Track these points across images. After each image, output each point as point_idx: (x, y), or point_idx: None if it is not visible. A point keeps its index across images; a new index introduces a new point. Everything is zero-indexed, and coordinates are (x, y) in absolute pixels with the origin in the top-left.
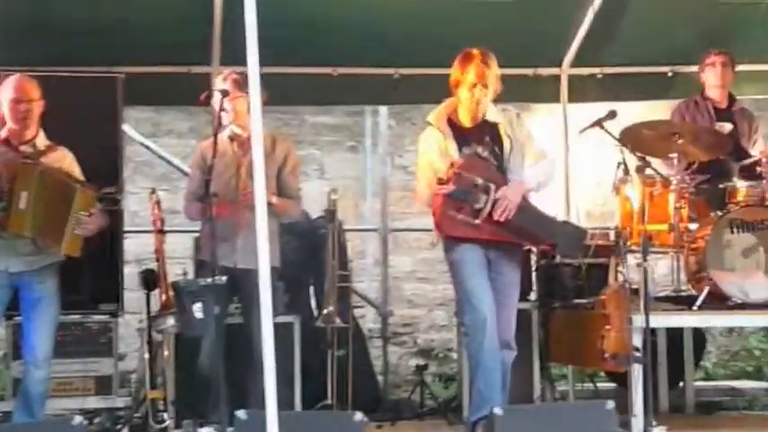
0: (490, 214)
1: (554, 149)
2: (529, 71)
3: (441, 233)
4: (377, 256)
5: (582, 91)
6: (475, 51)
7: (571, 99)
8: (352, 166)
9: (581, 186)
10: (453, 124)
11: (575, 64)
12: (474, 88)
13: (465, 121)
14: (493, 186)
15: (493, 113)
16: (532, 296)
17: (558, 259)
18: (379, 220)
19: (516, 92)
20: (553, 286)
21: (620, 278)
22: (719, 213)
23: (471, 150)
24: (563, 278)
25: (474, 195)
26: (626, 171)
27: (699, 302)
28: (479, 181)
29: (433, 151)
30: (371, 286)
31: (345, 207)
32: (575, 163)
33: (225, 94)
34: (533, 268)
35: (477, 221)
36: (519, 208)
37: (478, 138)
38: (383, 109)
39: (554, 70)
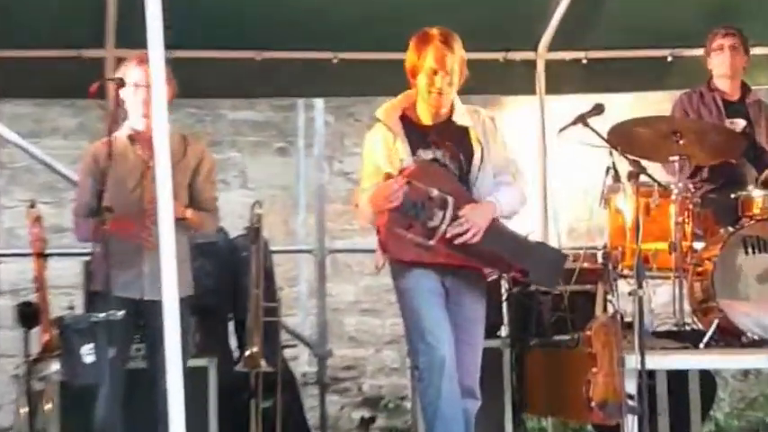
0: (447, 233)
1: (528, 152)
2: (498, 56)
3: (387, 255)
4: (312, 283)
5: (562, 80)
6: (434, 31)
7: (549, 90)
8: (282, 173)
9: (562, 197)
10: (408, 121)
11: (553, 47)
12: (434, 76)
13: (424, 117)
14: (451, 200)
15: (462, 113)
16: (503, 332)
17: (533, 286)
18: (314, 240)
19: (482, 81)
20: (528, 319)
21: (610, 309)
22: (730, 229)
23: (428, 155)
24: (540, 309)
25: (427, 210)
26: (616, 178)
27: (706, 339)
28: (434, 193)
29: (380, 154)
30: (306, 321)
31: (273, 223)
32: (554, 169)
33: (120, 83)
34: (503, 297)
35: (431, 242)
36: (488, 230)
37: (439, 139)
38: (319, 102)
39: (528, 54)
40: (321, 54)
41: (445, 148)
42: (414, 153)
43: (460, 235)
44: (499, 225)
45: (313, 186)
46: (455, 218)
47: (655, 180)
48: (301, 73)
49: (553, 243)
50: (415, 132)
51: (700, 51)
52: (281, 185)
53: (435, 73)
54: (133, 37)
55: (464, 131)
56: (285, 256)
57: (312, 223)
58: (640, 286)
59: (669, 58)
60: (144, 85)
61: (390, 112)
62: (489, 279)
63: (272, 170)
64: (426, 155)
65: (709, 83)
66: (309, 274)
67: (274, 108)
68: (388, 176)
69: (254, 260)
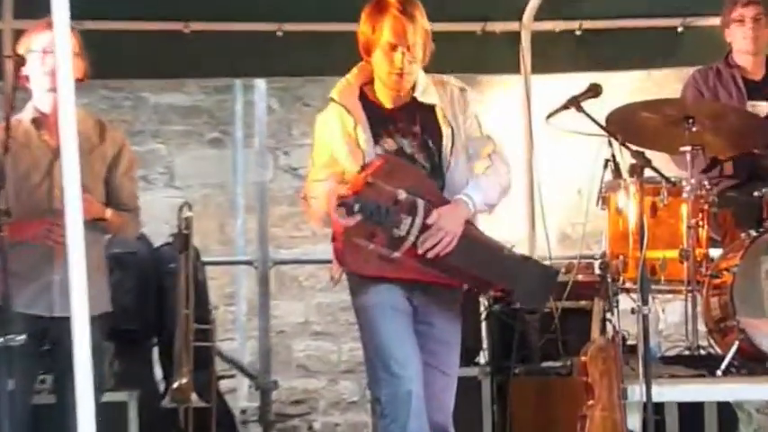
0: (416, 245)
1: (512, 143)
2: (475, 27)
3: (344, 268)
4: (253, 300)
5: (551, 56)
6: None
7: (536, 68)
8: (216, 169)
9: (552, 196)
10: (369, 103)
11: (540, 16)
12: (393, 53)
13: (384, 99)
14: (421, 203)
15: (425, 88)
16: (482, 357)
17: (518, 303)
18: (255, 249)
19: (456, 57)
20: (512, 342)
21: (609, 330)
22: (753, 234)
23: (393, 146)
24: (526, 330)
25: (393, 216)
26: (616, 173)
27: (725, 365)
28: (402, 195)
29: (337, 142)
30: (245, 346)
31: (206, 229)
32: (542, 162)
33: (20, 61)
34: (482, 316)
35: (397, 254)
36: (461, 239)
37: (404, 125)
38: (261, 83)
39: (511, 25)
40: (263, 26)
41: (412, 136)
42: (376, 142)
43: (432, 247)
44: (474, 235)
45: (254, 185)
46: (425, 226)
47: (662, 175)
48: (239, 48)
49: (542, 251)
50: (376, 117)
51: (716, 20)
52: (216, 183)
53: (394, 49)
54: (36, 5)
55: (430, 111)
56: (220, 269)
57: (253, 229)
58: (645, 302)
59: (680, 29)
60: (53, 51)
61: (347, 92)
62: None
63: (204, 165)
64: (390, 145)
65: (728, 58)
66: (250, 290)
67: (206, 91)
68: (342, 176)
69: (182, 273)
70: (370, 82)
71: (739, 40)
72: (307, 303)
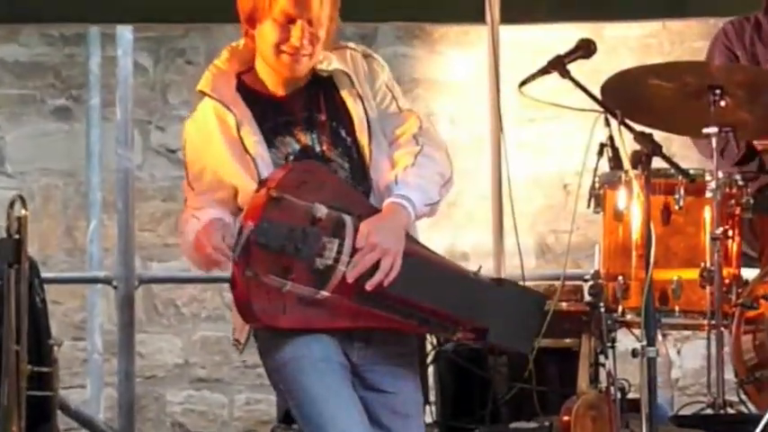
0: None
1: (474, 119)
2: None
3: (252, 324)
4: (111, 333)
5: (526, 1)
6: None
7: (506, 16)
8: (62, 150)
9: (527, 195)
10: (251, 93)
11: None
12: (290, 25)
13: (272, 84)
14: (349, 219)
15: (324, 58)
16: (428, 415)
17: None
18: (115, 262)
19: (396, 4)
20: (470, 395)
21: (603, 379)
22: None
23: (295, 145)
24: (489, 378)
25: (313, 241)
26: (616, 163)
27: (761, 428)
28: (321, 210)
29: (217, 152)
30: (100, 396)
31: (47, 233)
32: (514, 147)
33: None
34: (428, 358)
35: (324, 293)
36: (406, 261)
37: (306, 114)
38: (126, 32)
39: None
40: None
41: (319, 127)
42: (271, 144)
43: (365, 275)
44: (424, 254)
45: (114, 172)
46: (357, 249)
47: (677, 166)
48: None
49: (512, 269)
50: (264, 109)
51: None
52: (62, 171)
53: (292, 21)
54: None
55: (330, 87)
56: (68, 289)
57: (112, 234)
58: (652, 342)
59: None
60: None
61: (221, 82)
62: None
63: (45, 145)
64: (290, 144)
65: None
66: (107, 319)
67: (50, 41)
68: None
69: (10, 295)
70: (249, 69)
71: None
72: (187, 338)
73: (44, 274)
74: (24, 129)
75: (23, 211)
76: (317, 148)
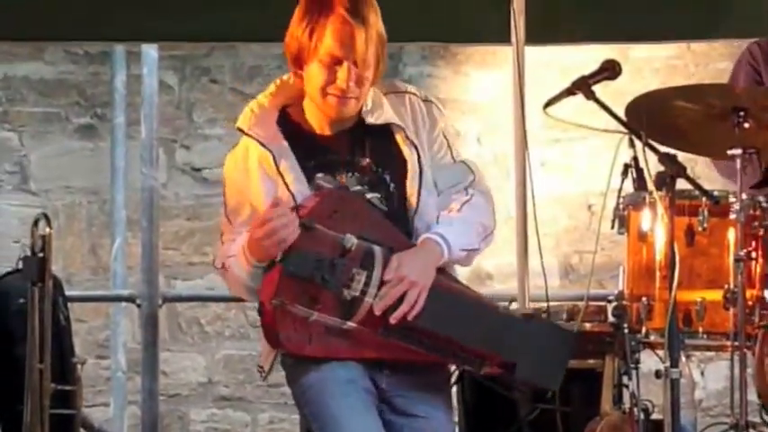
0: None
1: (498, 139)
2: None
3: (278, 350)
4: (135, 351)
5: (552, 21)
6: None
7: (532, 36)
8: (87, 168)
9: (552, 215)
10: (294, 128)
11: None
12: (336, 66)
13: (316, 123)
14: (379, 251)
15: (377, 104)
16: None
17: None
18: (140, 280)
19: (423, 21)
20: (492, 416)
21: (626, 400)
22: None
23: (334, 184)
24: (512, 400)
25: (341, 272)
26: (640, 184)
27: None
28: (351, 241)
29: (255, 188)
30: (124, 414)
31: (71, 251)
32: (539, 167)
33: None
34: (452, 378)
35: (351, 324)
36: (433, 294)
37: (349, 157)
38: (151, 51)
39: None
40: None
41: (360, 171)
42: (310, 182)
43: (394, 306)
44: (453, 288)
45: (139, 191)
46: (385, 282)
47: (701, 188)
48: (121, 2)
49: (537, 289)
50: (306, 147)
51: None
52: (86, 188)
53: (338, 62)
54: None
55: (385, 134)
56: (91, 307)
57: (136, 253)
58: (676, 363)
59: None
60: None
61: (262, 119)
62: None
63: (70, 163)
64: (329, 182)
65: None
66: (131, 337)
67: (75, 59)
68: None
69: (34, 313)
70: (296, 103)
71: None
72: (210, 356)
73: (68, 293)
74: (49, 147)
75: (48, 230)
76: (356, 189)
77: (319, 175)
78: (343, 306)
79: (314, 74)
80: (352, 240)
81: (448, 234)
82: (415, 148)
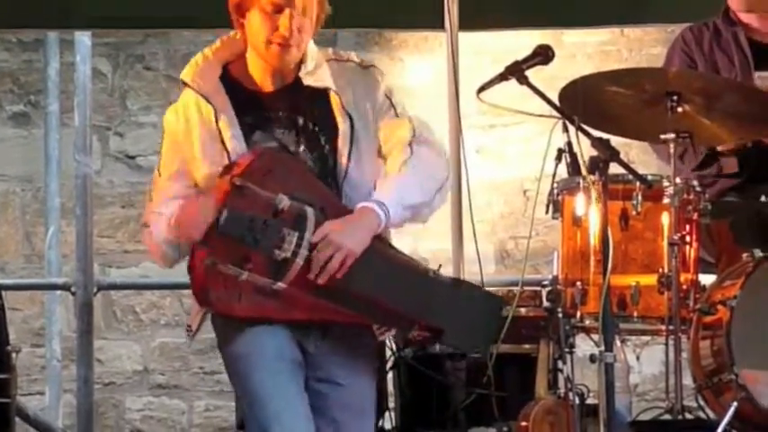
0: (308, 271)
1: (431, 125)
2: None
3: (206, 309)
4: (70, 339)
5: (485, 6)
6: None
7: (465, 22)
8: (20, 156)
9: (487, 200)
10: (235, 85)
11: None
12: (277, 15)
13: (260, 79)
14: (311, 212)
15: (316, 66)
16: (387, 421)
17: (437, 347)
18: (74, 268)
19: (356, 7)
20: (428, 401)
21: (561, 385)
22: (759, 254)
23: (270, 141)
24: (448, 384)
25: (273, 232)
26: (573, 168)
27: None
28: (284, 201)
29: (192, 141)
30: (59, 402)
31: (5, 239)
32: (473, 153)
33: None
34: (388, 365)
35: (281, 284)
36: (364, 258)
37: (286, 114)
38: (84, 38)
39: None
40: None
41: (297, 129)
42: (247, 138)
43: (323, 268)
44: (384, 253)
45: (73, 178)
46: (317, 244)
47: (634, 172)
48: None
49: (471, 274)
50: (246, 103)
51: None
52: (19, 176)
53: (279, 10)
54: None
55: (322, 97)
56: (26, 295)
57: (71, 241)
58: (610, 347)
59: None
60: None
61: (205, 71)
62: (380, 339)
63: (2, 151)
64: (266, 140)
65: (728, 12)
66: (66, 325)
67: (8, 47)
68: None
69: None
70: (239, 59)
71: None
72: (146, 344)
73: (2, 281)
74: None
75: None
76: (292, 149)
77: (257, 134)
78: (274, 266)
79: (256, 22)
80: (284, 201)
81: (384, 198)
82: (350, 117)
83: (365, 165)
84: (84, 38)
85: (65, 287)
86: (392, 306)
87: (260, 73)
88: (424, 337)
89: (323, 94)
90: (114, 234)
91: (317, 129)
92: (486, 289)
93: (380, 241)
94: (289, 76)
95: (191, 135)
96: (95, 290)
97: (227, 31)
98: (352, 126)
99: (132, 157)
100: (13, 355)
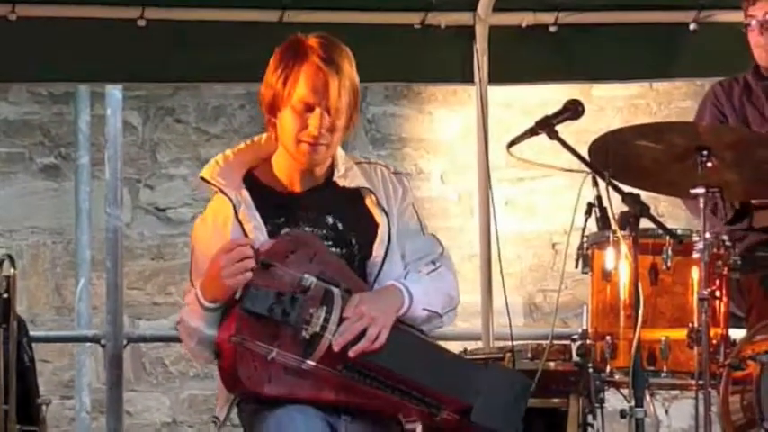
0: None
1: (461, 179)
2: (412, 17)
3: (235, 392)
4: (99, 392)
5: (516, 60)
6: (311, 40)
7: (495, 76)
8: (51, 208)
9: (516, 254)
10: (260, 187)
11: (502, 5)
12: (309, 114)
13: (287, 180)
14: (338, 292)
15: (347, 169)
16: None
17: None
18: (104, 321)
19: (385, 61)
20: None
21: None
22: None
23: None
24: None
25: (300, 309)
26: (604, 223)
27: None
28: (310, 280)
29: (218, 242)
30: None
31: (35, 291)
32: (502, 206)
33: None
34: None
35: (310, 362)
36: (393, 334)
37: (315, 215)
38: (115, 92)
39: (462, 17)
40: (120, 11)
41: (327, 229)
42: (272, 234)
43: (353, 342)
44: (412, 333)
45: (103, 231)
46: (344, 319)
47: (664, 227)
48: (86, 42)
49: (501, 327)
50: (272, 202)
51: (741, 15)
52: (50, 228)
53: (310, 109)
54: None
55: (356, 199)
56: (56, 347)
57: (101, 293)
58: (640, 402)
59: (693, 26)
60: None
61: (226, 171)
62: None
63: (34, 203)
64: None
65: (757, 67)
66: (95, 377)
67: (38, 100)
68: None
69: None
70: (264, 161)
71: (753, 47)
72: (175, 396)
73: (32, 333)
74: (13, 187)
75: (12, 270)
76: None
77: (284, 231)
78: (303, 344)
79: (287, 121)
80: (310, 279)
81: (413, 288)
82: (386, 214)
83: (395, 266)
84: (114, 91)
85: (94, 339)
86: (421, 384)
87: (289, 174)
88: (453, 420)
89: (356, 195)
90: (144, 286)
91: (347, 229)
92: (514, 369)
93: (404, 324)
94: (319, 178)
95: (217, 237)
96: (125, 342)
97: (257, 85)
98: (388, 224)
99: (162, 210)
100: (43, 407)
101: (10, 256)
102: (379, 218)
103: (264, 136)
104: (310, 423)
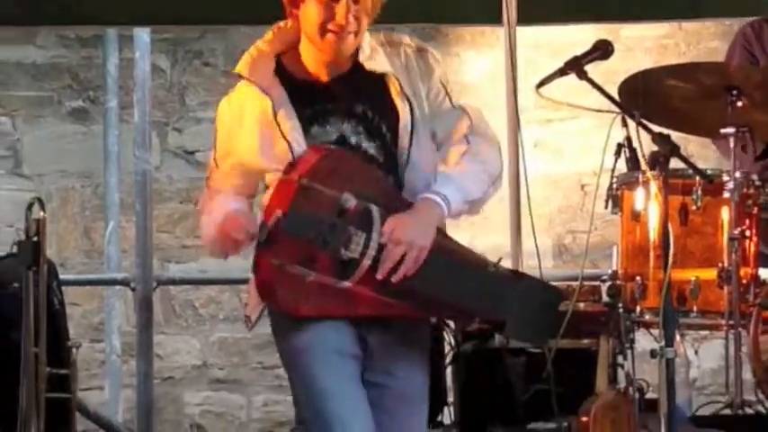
0: (375, 269)
1: (489, 120)
2: None
3: (270, 306)
4: (129, 335)
5: (543, 2)
6: None
7: (523, 17)
8: (79, 152)
9: (545, 195)
10: (290, 77)
11: None
12: (333, 4)
13: (315, 68)
14: (377, 211)
15: (372, 52)
16: (447, 416)
17: (497, 340)
18: (133, 263)
19: (412, 5)
20: (488, 395)
21: (621, 379)
22: None
23: (330, 133)
24: (508, 379)
25: (340, 232)
26: (634, 163)
27: None
28: (351, 201)
29: (248, 136)
30: (119, 398)
31: (65, 235)
32: (531, 147)
33: None
34: (447, 359)
35: (347, 284)
36: (429, 256)
37: (346, 104)
38: (143, 34)
39: None
40: None
41: (356, 119)
42: (306, 130)
43: (394, 269)
44: (448, 248)
45: (132, 174)
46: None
47: (694, 167)
48: None
49: (530, 269)
50: (303, 95)
51: None
52: (79, 172)
53: (336, 0)
54: None
55: (380, 83)
56: (85, 291)
57: (130, 236)
58: (671, 342)
59: None
60: None
61: (260, 64)
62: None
63: (62, 146)
64: (326, 133)
65: None
66: (125, 320)
67: (67, 43)
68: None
69: (29, 297)
70: (293, 50)
71: None
72: (205, 339)
73: (62, 276)
74: (42, 131)
75: (42, 214)
76: (353, 140)
77: (315, 126)
78: (341, 266)
79: (311, 12)
80: (350, 200)
81: (446, 190)
82: (408, 101)
83: (424, 151)
84: (143, 34)
85: (124, 282)
86: (454, 302)
87: (314, 63)
88: (484, 329)
89: (380, 79)
90: (173, 229)
91: (377, 117)
92: (547, 283)
93: (439, 233)
94: (344, 64)
95: (246, 127)
96: (155, 285)
97: None
98: (411, 111)
99: (191, 153)
100: (74, 350)
101: (39, 200)
102: (401, 106)
103: (290, 21)
104: (337, 330)
